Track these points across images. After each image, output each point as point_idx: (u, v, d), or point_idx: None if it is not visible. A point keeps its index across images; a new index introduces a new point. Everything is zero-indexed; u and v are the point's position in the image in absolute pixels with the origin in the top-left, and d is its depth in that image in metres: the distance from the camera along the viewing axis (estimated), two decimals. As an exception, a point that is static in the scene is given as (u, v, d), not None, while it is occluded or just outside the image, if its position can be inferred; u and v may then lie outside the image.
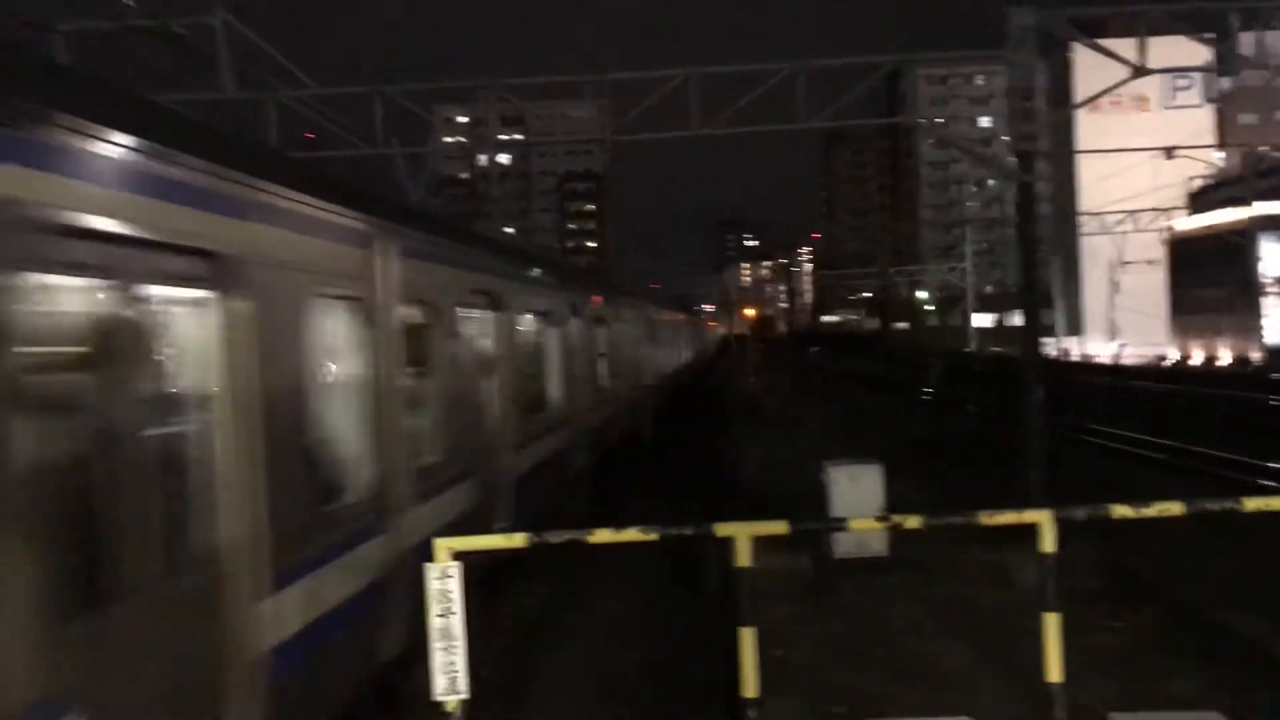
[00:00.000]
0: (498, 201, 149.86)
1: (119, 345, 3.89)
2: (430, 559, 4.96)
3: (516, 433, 10.79)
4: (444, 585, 4.79)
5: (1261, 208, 50.56)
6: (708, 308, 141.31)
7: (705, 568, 11.87)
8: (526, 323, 12.04)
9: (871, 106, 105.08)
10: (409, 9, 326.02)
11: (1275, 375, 41.08)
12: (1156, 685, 8.02)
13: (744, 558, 5.10)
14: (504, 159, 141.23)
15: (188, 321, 4.56)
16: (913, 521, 5.40)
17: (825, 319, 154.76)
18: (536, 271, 13.23)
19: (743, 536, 5.16)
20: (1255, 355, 50.02)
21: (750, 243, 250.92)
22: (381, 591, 6.23)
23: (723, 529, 5.48)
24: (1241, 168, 52.54)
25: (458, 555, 4.84)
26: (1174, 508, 5.54)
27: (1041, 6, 15.15)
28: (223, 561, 4.53)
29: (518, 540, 4.92)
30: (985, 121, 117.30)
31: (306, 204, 5.67)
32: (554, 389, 13.73)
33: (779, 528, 5.42)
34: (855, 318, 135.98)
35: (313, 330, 5.61)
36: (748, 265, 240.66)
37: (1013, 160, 16.12)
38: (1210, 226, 54.37)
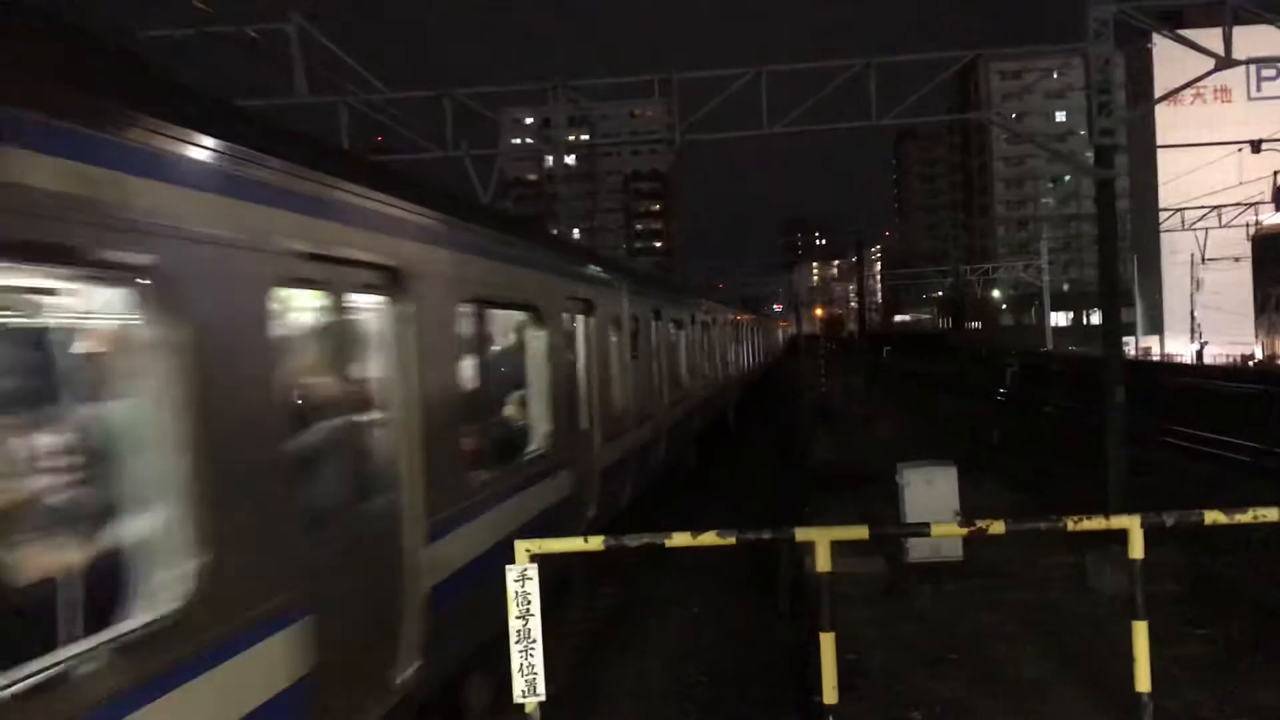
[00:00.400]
0: (565, 202, 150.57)
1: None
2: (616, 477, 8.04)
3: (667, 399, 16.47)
4: (523, 587, 4.77)
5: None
6: (777, 308, 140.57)
7: (778, 570, 11.76)
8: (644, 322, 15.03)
9: (942, 101, 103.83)
10: (478, 14, 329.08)
11: (1366, 375, 39.70)
12: (1245, 695, 7.76)
13: (824, 562, 5.00)
14: (571, 160, 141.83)
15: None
16: (997, 527, 5.25)
17: (896, 318, 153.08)
18: (662, 289, 17.94)
19: (822, 541, 5.06)
20: (1345, 354, 48.43)
21: (819, 241, 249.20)
22: (582, 483, 9.85)
23: (802, 534, 5.39)
24: (1330, 160, 50.83)
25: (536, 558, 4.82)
26: (1270, 513, 5.32)
27: (1121, -2, 14.81)
28: (491, 470, 7.29)
29: (595, 543, 4.88)
30: (1061, 116, 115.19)
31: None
32: (682, 373, 18.37)
33: (859, 532, 5.31)
34: (927, 317, 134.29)
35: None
36: (816, 264, 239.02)
37: (1090, 156, 15.77)
38: (1297, 221, 52.75)
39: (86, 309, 3.81)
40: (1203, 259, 55.81)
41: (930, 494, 12.50)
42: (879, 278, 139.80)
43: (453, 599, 5.88)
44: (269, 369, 4.38)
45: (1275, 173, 56.70)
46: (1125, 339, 27.43)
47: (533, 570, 4.84)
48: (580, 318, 10.98)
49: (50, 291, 3.63)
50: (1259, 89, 76.29)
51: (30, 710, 3.02)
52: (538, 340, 9.01)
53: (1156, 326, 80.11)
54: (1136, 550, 5.24)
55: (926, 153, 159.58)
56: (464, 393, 6.78)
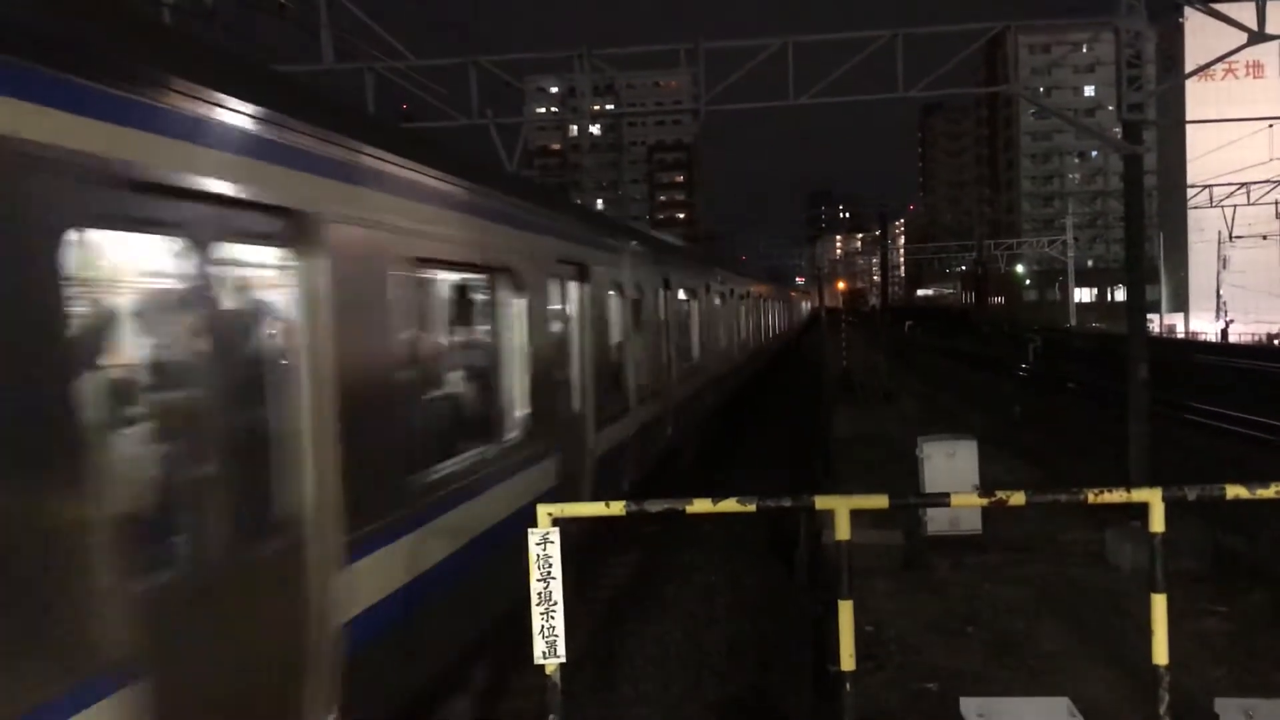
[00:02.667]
0: (589, 172, 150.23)
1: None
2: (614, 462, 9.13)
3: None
4: (545, 550, 4.82)
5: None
6: (799, 280, 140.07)
7: (796, 540, 11.83)
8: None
9: (970, 74, 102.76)
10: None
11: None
12: (1264, 671, 7.79)
13: (843, 530, 5.03)
14: (595, 129, 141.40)
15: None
16: (1017, 498, 5.25)
17: (919, 293, 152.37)
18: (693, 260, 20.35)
19: (842, 510, 5.09)
20: (1373, 334, 47.99)
21: (843, 214, 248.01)
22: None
23: (822, 502, 5.42)
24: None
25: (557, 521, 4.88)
26: (1294, 488, 5.32)
27: (1154, -31, 14.62)
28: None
29: (616, 508, 4.93)
30: (1089, 90, 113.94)
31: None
32: (694, 347, 18.55)
33: (879, 501, 5.34)
34: (950, 292, 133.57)
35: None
36: (840, 237, 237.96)
37: (1118, 131, 15.64)
38: (1328, 199, 52.11)
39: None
40: (1230, 236, 55.25)
41: (950, 468, 12.51)
42: (902, 251, 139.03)
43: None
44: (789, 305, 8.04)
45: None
46: (1150, 316, 27.13)
47: (554, 534, 4.89)
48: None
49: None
50: (1292, 64, 75.24)
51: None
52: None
53: (1181, 304, 79.50)
54: (1157, 524, 5.25)
55: (953, 126, 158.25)
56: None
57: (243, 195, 4.15)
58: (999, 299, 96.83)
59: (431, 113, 18.65)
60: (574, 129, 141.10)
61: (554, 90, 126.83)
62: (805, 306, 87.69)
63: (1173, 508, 5.46)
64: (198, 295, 3.94)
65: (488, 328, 7.52)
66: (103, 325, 3.78)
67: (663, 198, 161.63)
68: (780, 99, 16.60)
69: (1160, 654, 5.24)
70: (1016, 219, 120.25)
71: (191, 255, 3.91)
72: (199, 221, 3.94)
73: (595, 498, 9.26)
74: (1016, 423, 23.44)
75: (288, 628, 4.42)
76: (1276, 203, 52.51)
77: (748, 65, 16.38)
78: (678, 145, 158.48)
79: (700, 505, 5.02)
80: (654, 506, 5.04)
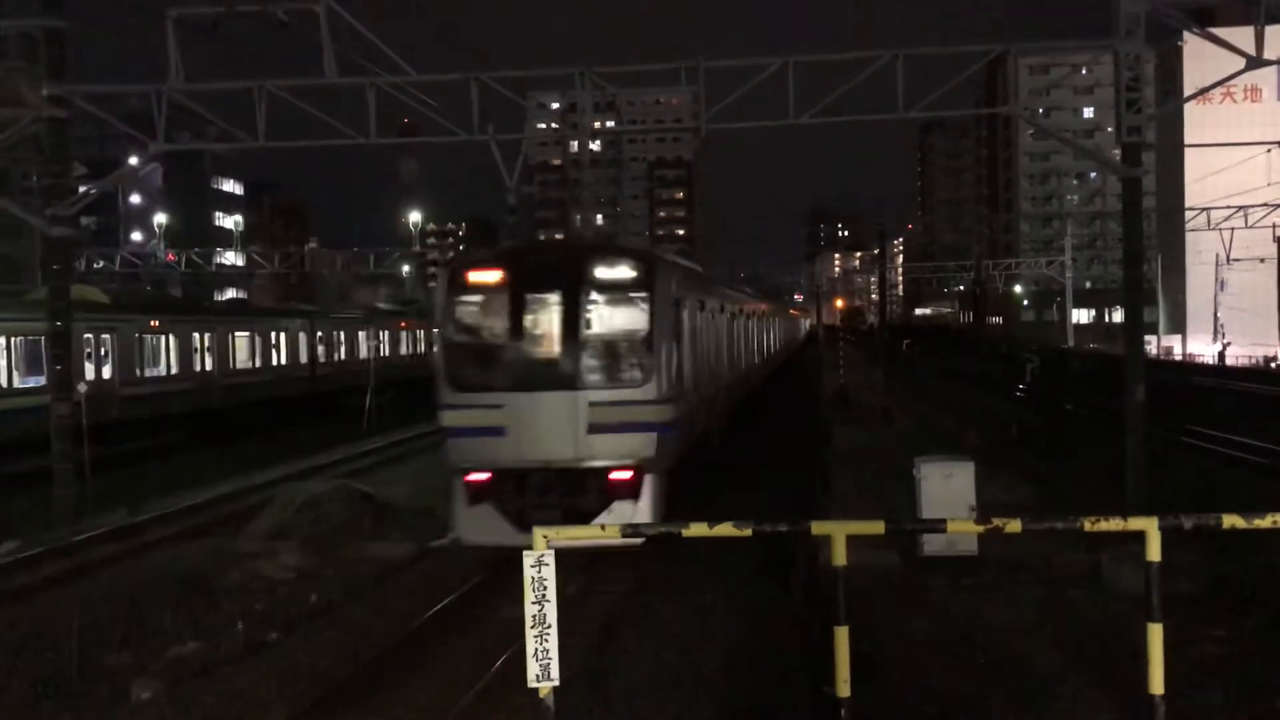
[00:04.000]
0: (589, 188, 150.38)
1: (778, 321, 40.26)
2: (744, 391, 25.13)
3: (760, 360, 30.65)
4: (540, 573, 4.81)
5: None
6: (798, 297, 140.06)
7: (793, 560, 11.80)
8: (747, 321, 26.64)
9: (970, 94, 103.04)
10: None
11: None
12: (1261, 697, 7.76)
13: (840, 556, 5.03)
14: (596, 146, 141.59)
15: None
16: (1013, 526, 5.25)
17: (917, 311, 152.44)
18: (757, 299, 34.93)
19: (839, 536, 5.09)
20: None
21: (842, 232, 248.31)
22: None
23: (818, 527, 5.42)
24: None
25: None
26: (1290, 518, 5.31)
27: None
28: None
29: (612, 532, 4.92)
30: (1089, 112, 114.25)
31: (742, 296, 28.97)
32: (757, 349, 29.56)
33: (875, 528, 5.34)
34: (948, 311, 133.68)
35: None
36: (838, 255, 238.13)
37: (1117, 152, 15.68)
38: (1326, 223, 52.27)
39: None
40: (1228, 259, 55.37)
41: (947, 488, 12.50)
42: (900, 270, 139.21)
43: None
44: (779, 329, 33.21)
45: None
46: (1147, 338, 27.09)
47: (549, 557, 4.87)
48: (754, 319, 27.06)
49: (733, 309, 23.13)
50: (1290, 89, 75.62)
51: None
52: (748, 324, 26.73)
53: (1179, 326, 79.58)
54: (1154, 553, 5.25)
55: (952, 145, 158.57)
56: (727, 342, 20.77)
57: (736, 303, 23.46)
58: (997, 319, 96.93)
59: (433, 127, 18.71)
60: (575, 144, 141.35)
61: (555, 106, 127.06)
62: (804, 324, 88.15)
63: (1170, 531, 5.46)
64: (730, 320, 21.39)
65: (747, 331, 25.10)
66: (735, 327, 22.59)
67: (663, 214, 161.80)
68: (780, 118, 16.68)
69: (1157, 683, 5.23)
70: (1015, 239, 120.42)
71: (730, 310, 20.81)
72: (730, 304, 21.87)
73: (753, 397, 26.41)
74: (1014, 442, 23.42)
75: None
76: (1274, 226, 52.63)
77: (748, 84, 16.44)
78: (678, 162, 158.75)
79: (696, 529, 5.01)
80: (649, 530, 5.03)
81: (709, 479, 16.94)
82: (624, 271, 13.20)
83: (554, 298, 13.03)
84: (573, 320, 12.91)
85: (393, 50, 17.38)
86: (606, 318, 13.14)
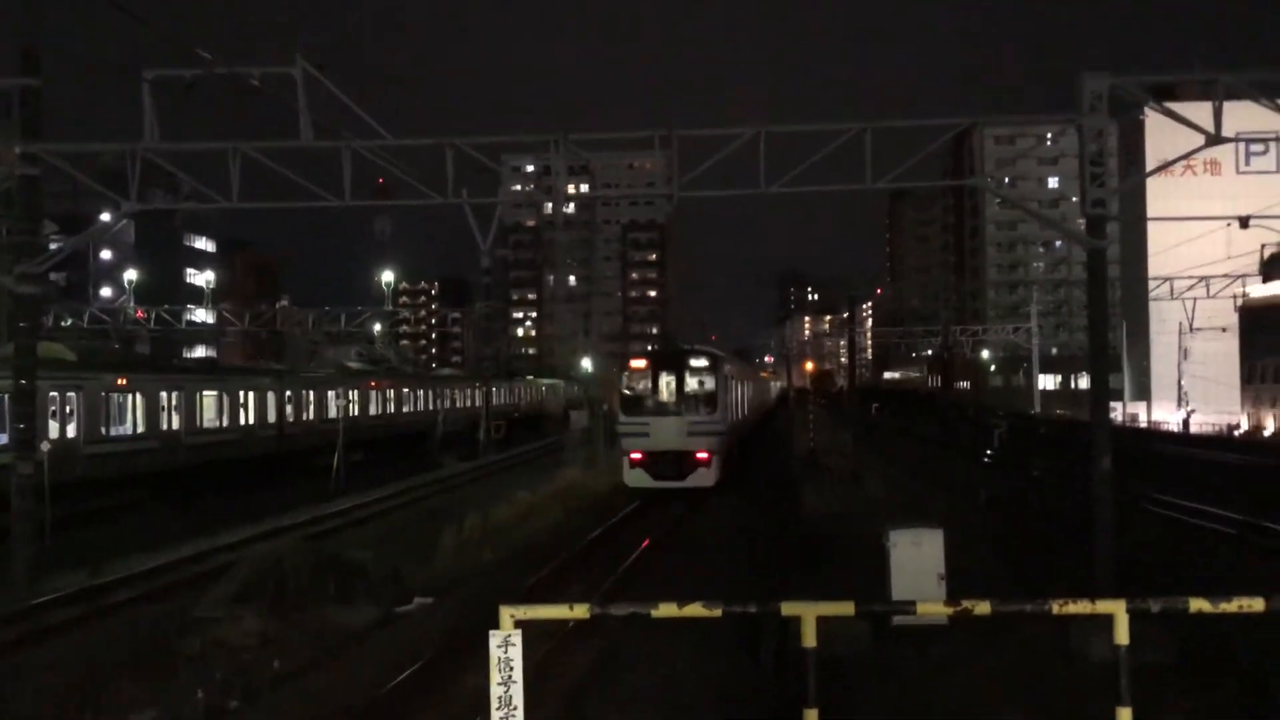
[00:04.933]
0: (562, 249, 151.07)
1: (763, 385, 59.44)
2: (755, 429, 45.99)
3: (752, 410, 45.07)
4: (506, 654, 4.75)
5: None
6: (768, 359, 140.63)
7: (764, 632, 11.73)
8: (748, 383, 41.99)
9: (938, 163, 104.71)
10: (482, 61, 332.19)
11: (1352, 449, 39.84)
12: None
13: (810, 638, 5.02)
14: (570, 208, 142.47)
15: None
16: (983, 608, 5.26)
17: (886, 375, 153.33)
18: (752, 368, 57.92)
19: (809, 617, 5.08)
20: (1331, 427, 48.67)
21: (812, 296, 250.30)
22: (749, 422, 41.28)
23: (788, 608, 5.41)
24: (1318, 235, 51.40)
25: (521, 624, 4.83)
26: (1256, 603, 5.36)
27: (1116, 62, 15.04)
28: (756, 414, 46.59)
29: (580, 611, 4.89)
30: (1053, 182, 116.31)
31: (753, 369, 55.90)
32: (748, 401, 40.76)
33: (845, 608, 5.34)
34: (916, 375, 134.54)
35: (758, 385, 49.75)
36: (809, 318, 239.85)
37: (1082, 223, 15.96)
38: (1285, 294, 53.25)
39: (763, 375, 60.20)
40: (1190, 328, 56.23)
41: (917, 556, 12.52)
42: (870, 334, 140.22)
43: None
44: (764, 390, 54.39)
45: (1263, 246, 57.26)
46: (1112, 404, 27.36)
47: (516, 637, 4.80)
48: (749, 380, 42.40)
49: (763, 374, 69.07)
50: (1248, 163, 77.10)
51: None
52: (761, 385, 53.27)
53: (1144, 393, 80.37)
54: (1122, 636, 5.27)
55: (920, 213, 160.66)
56: (748, 397, 38.56)
57: (748, 371, 46.82)
58: (965, 383, 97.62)
59: (408, 189, 18.81)
60: (549, 206, 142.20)
61: (530, 169, 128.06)
62: (774, 386, 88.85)
63: (1136, 586, 5.48)
64: (755, 378, 49.60)
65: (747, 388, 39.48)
66: (752, 386, 44.33)
67: (635, 275, 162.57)
68: (752, 186, 16.86)
69: (1125, 761, 5.23)
70: (982, 305, 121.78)
71: (730, 369, 32.09)
72: (753, 374, 50.81)
73: (745, 435, 38.34)
74: (982, 508, 23.49)
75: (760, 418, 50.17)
76: (1235, 296, 53.56)
77: (720, 153, 16.65)
78: (651, 225, 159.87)
79: (665, 610, 4.99)
80: (619, 610, 5.01)
81: (733, 468, 30.95)
82: (703, 362, 28.98)
83: (671, 373, 28.32)
84: (680, 384, 28.21)
85: (368, 113, 17.52)
86: (695, 383, 28.33)
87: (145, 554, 19.23)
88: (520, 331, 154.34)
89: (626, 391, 28.68)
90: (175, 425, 30.56)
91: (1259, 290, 59.56)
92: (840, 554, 16.66)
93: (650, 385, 28.36)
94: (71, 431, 25.90)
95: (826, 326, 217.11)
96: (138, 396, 28.84)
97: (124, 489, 27.57)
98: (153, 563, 18.48)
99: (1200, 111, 16.30)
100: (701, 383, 28.21)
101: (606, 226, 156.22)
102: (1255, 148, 66.13)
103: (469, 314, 64.35)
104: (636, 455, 27.52)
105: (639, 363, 29.51)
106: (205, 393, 32.61)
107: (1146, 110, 27.62)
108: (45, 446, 20.00)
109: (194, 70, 16.83)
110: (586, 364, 67.38)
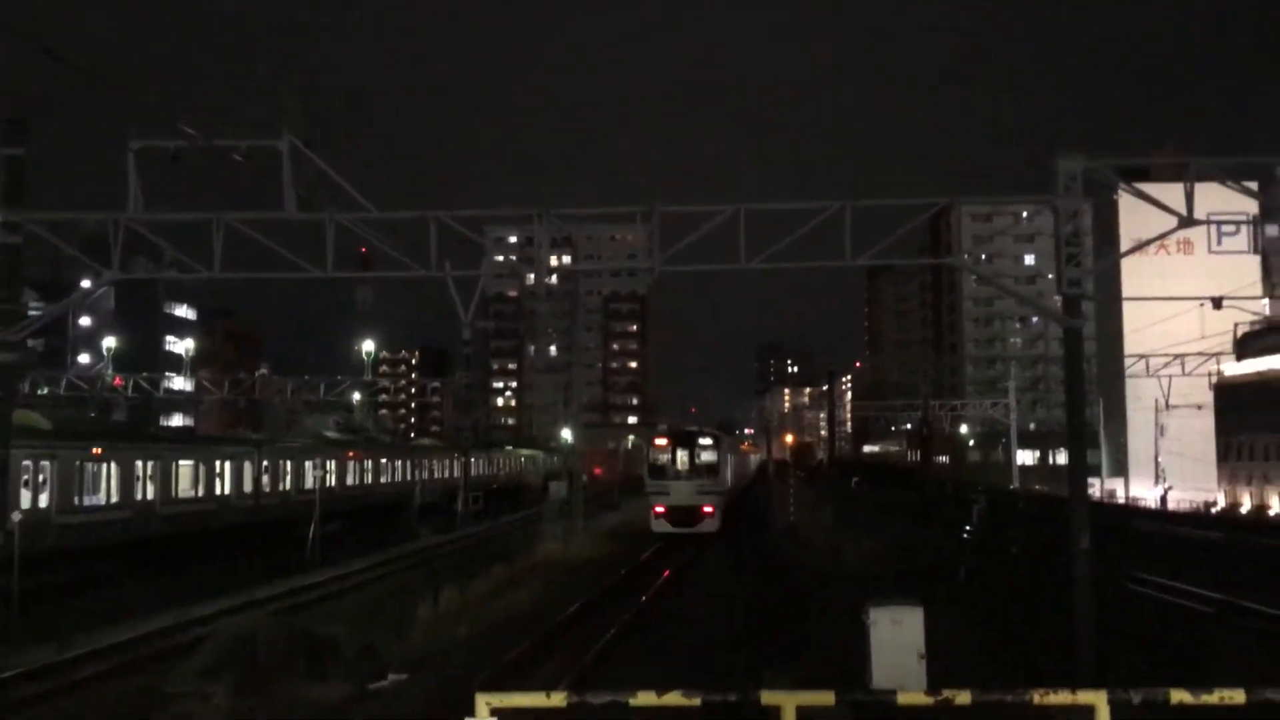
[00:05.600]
0: (544, 319, 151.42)
1: (746, 457, 77.93)
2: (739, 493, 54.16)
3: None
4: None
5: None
6: (749, 431, 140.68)
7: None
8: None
9: (915, 239, 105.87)
10: (465, 133, 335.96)
11: (1328, 527, 40.02)
12: None
13: (790, 728, 4.99)
14: (552, 279, 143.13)
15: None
16: (963, 698, 5.27)
17: (866, 449, 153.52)
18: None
19: (789, 706, 5.05)
20: (1307, 505, 48.93)
21: (792, 368, 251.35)
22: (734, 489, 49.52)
23: (768, 697, 5.37)
24: (1290, 314, 52.25)
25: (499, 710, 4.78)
26: (1237, 695, 5.36)
27: (1090, 143, 15.34)
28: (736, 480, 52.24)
29: (557, 699, 4.84)
30: (1030, 259, 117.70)
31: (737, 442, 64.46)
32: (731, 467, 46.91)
33: (825, 698, 5.31)
34: (895, 449, 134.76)
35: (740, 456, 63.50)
36: (788, 391, 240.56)
37: (1058, 300, 16.17)
38: (1259, 372, 53.78)
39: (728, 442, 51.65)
40: (1167, 405, 56.69)
41: (897, 635, 12.44)
42: (849, 408, 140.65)
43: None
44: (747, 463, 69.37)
45: (1236, 325, 58.01)
46: (1090, 480, 27.43)
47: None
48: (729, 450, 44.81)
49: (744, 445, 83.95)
50: (1219, 243, 77.87)
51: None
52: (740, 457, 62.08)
53: (1121, 469, 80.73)
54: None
55: (899, 288, 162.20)
56: (733, 465, 45.92)
57: (738, 447, 62.37)
58: (944, 458, 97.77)
59: (391, 260, 18.86)
60: (531, 277, 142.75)
61: (513, 239, 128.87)
62: (753, 459, 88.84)
63: (1120, 662, 5.46)
64: (742, 452, 69.53)
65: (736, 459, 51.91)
66: (741, 459, 67.29)
67: (616, 346, 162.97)
68: (732, 261, 17.03)
69: None
70: (960, 380, 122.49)
71: (727, 444, 43.88)
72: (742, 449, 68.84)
73: (734, 496, 47.94)
74: (962, 585, 23.38)
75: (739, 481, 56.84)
76: (1209, 374, 54.10)
77: (701, 230, 16.84)
78: (632, 296, 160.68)
79: (644, 699, 4.95)
80: (596, 699, 4.96)
81: (730, 519, 40.17)
82: (709, 440, 39.52)
83: (685, 449, 38.37)
84: (692, 456, 38.11)
85: (353, 185, 17.64)
86: (704, 455, 38.29)
87: (116, 627, 18.91)
88: (500, 401, 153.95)
89: (653, 461, 38.83)
90: (150, 495, 30.22)
91: (1233, 368, 60.20)
92: (819, 635, 16.53)
93: (670, 458, 38.33)
94: (44, 501, 25.59)
95: (806, 399, 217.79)
96: (112, 466, 28.55)
97: (97, 560, 27.17)
98: (123, 636, 18.16)
99: (1173, 192, 16.61)
100: (707, 455, 38.40)
101: (588, 297, 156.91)
102: (1227, 228, 67.20)
103: (449, 384, 64.29)
104: (660, 509, 37.26)
105: (662, 440, 39.67)
106: (181, 462, 32.33)
107: (1119, 191, 28.20)
108: (16, 517, 19.74)
109: (179, 142, 16.94)
110: (566, 434, 67.32)
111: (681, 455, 38.04)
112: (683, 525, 36.22)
